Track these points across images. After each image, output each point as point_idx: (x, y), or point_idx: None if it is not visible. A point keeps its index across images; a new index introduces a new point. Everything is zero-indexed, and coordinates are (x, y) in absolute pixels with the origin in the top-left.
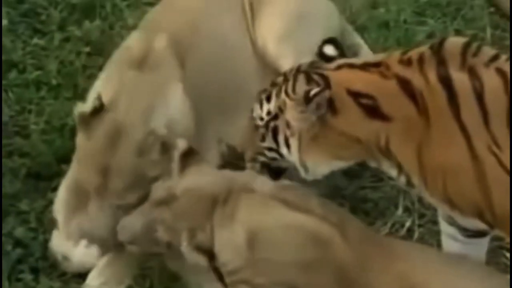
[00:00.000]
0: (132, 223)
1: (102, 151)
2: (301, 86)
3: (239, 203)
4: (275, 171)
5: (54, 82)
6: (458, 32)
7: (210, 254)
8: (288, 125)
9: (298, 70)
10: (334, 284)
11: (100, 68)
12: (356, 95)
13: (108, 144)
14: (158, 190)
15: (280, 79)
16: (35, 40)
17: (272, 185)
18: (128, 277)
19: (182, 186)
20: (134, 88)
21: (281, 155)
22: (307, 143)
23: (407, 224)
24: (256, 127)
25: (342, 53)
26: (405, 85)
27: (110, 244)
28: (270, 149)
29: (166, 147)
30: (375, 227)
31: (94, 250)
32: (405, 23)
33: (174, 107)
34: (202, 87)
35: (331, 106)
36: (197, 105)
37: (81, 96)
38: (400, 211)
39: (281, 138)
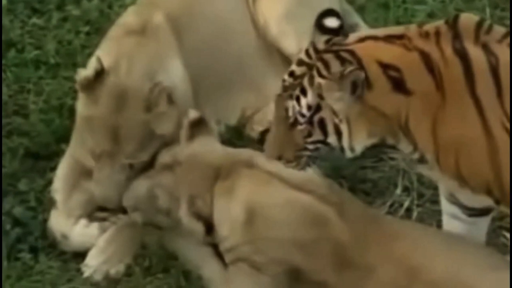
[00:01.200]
0: (137, 187)
1: (110, 114)
2: (335, 65)
3: (240, 178)
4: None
5: (52, 61)
6: (457, 12)
7: (207, 224)
8: (334, 113)
9: (320, 51)
10: (332, 263)
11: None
12: (385, 67)
13: (115, 106)
14: (164, 155)
15: (302, 69)
16: (34, 20)
17: (275, 162)
18: (127, 257)
19: (187, 152)
20: (134, 52)
21: (327, 143)
22: (354, 124)
23: (406, 203)
24: (294, 125)
25: (342, 25)
26: (425, 58)
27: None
28: (316, 142)
29: (171, 99)
30: (374, 206)
31: (93, 229)
32: (404, 3)
33: (173, 73)
34: (200, 67)
35: (366, 81)
36: (195, 84)
37: None
38: (399, 190)
39: (330, 128)
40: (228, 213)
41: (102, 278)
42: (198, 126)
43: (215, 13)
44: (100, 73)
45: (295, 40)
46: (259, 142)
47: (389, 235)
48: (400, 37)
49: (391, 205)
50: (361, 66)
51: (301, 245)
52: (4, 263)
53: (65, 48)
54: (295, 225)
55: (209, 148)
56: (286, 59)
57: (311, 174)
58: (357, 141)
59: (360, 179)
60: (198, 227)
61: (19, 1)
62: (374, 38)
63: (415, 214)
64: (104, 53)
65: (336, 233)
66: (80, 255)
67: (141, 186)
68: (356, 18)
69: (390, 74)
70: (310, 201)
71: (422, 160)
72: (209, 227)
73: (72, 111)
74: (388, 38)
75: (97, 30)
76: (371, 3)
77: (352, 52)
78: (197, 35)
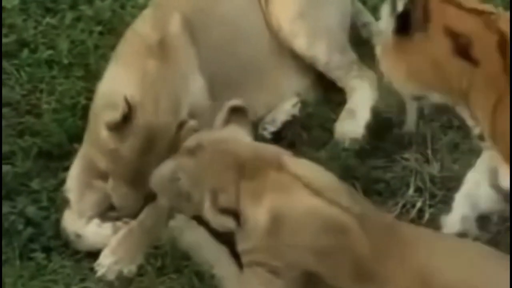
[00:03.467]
0: (163, 168)
1: (137, 156)
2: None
3: (267, 181)
4: None
5: (65, 61)
6: None
7: (236, 216)
8: None
9: None
10: (351, 274)
11: (112, 48)
12: (452, 33)
13: (142, 150)
14: (191, 139)
15: None
16: (47, 19)
17: (301, 163)
18: (140, 256)
19: (212, 138)
20: (158, 83)
21: None
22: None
23: (419, 204)
24: None
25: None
26: (501, 39)
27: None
28: None
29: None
30: (386, 207)
31: (106, 228)
32: None
33: (195, 90)
34: (214, 66)
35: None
36: (211, 83)
37: (93, 75)
38: (411, 191)
39: None
40: (253, 217)
41: (115, 278)
42: (236, 114)
43: (228, 13)
44: (128, 116)
45: (306, 40)
46: (272, 142)
47: (404, 245)
48: (484, 13)
49: (403, 206)
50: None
51: (320, 253)
52: (17, 263)
53: (78, 48)
54: (315, 233)
55: (237, 137)
56: (298, 59)
57: (335, 180)
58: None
59: (372, 179)
60: (229, 222)
61: (32, 1)
62: (459, 6)
63: (427, 215)
64: (128, 78)
65: (356, 244)
66: (93, 254)
67: (166, 167)
68: (368, 17)
69: (456, 39)
70: (331, 210)
71: (481, 137)
72: (238, 217)
73: (85, 111)
74: (472, 10)
75: (110, 30)
76: (382, 3)
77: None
78: (212, 35)
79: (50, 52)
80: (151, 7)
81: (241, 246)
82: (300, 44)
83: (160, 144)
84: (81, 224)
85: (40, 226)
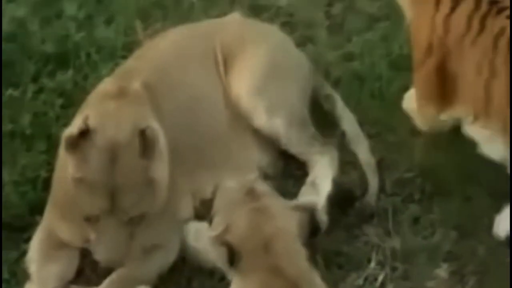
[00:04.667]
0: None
1: (104, 171)
2: None
3: (280, 257)
4: None
5: (27, 132)
6: None
7: (231, 251)
8: None
9: None
10: None
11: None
12: None
13: (108, 162)
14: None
15: None
16: (9, 91)
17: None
18: None
19: (268, 195)
20: (118, 112)
21: None
22: None
23: (380, 278)
24: None
25: None
26: None
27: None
28: None
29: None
30: (349, 280)
31: None
32: (380, 76)
33: (158, 131)
34: (175, 137)
35: None
36: (172, 155)
37: (55, 147)
38: (373, 264)
39: None
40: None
41: None
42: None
43: (189, 83)
44: (85, 132)
45: (266, 116)
46: None
47: None
48: None
49: (366, 279)
50: None
51: None
52: None
53: (40, 120)
54: None
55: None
56: (258, 133)
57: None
58: None
59: (333, 252)
60: (223, 255)
61: None
62: None
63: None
64: (87, 111)
65: None
66: None
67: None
68: (329, 90)
69: None
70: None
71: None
72: (233, 254)
73: (46, 183)
74: None
75: (72, 102)
76: (346, 76)
77: None
78: (172, 105)
79: (12, 124)
80: (112, 76)
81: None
82: (260, 119)
83: (126, 155)
84: None
85: None
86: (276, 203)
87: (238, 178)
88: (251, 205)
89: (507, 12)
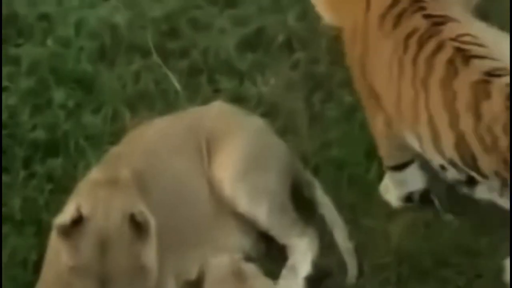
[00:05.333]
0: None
1: (96, 260)
2: None
3: None
4: None
5: (17, 217)
6: None
7: None
8: None
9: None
10: None
11: (64, 204)
12: None
13: (99, 251)
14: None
15: None
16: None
17: None
18: None
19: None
20: (108, 199)
21: None
22: None
23: None
24: None
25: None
26: None
27: None
28: None
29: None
30: None
31: None
32: (357, 163)
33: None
34: (161, 223)
35: None
36: (158, 239)
37: (45, 231)
38: None
39: None
40: None
41: None
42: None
43: (175, 170)
44: (78, 220)
45: (248, 201)
46: None
47: None
48: None
49: None
50: None
51: None
52: None
53: (30, 205)
54: None
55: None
56: (241, 217)
57: None
58: None
59: None
60: None
61: None
62: None
63: None
64: (79, 199)
65: None
66: None
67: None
68: (308, 176)
69: None
70: None
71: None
72: None
73: (36, 267)
74: None
75: (62, 188)
76: (325, 163)
77: None
78: (159, 190)
79: (3, 209)
80: (101, 163)
81: None
82: (242, 204)
83: (117, 243)
84: None
85: None
86: (263, 284)
87: (224, 256)
88: (239, 286)
89: (426, 11)
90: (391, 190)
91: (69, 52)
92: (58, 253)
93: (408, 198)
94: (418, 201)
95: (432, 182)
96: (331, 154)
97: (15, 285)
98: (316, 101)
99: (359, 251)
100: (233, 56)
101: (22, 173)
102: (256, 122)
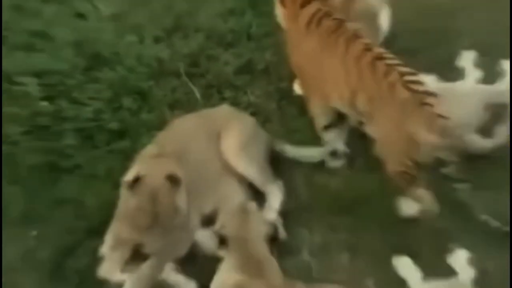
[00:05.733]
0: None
1: (149, 202)
2: None
3: (252, 243)
4: None
5: (101, 175)
6: None
7: (222, 238)
8: None
9: None
10: None
11: (129, 169)
12: None
13: (151, 197)
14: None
15: None
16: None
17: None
18: None
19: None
20: (155, 166)
21: None
22: None
23: None
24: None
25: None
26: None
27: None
28: None
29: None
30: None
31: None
32: (310, 141)
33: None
34: (189, 179)
35: None
36: (187, 190)
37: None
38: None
39: None
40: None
41: None
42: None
43: (197, 148)
44: (137, 179)
45: (245, 165)
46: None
47: None
48: None
49: None
50: None
51: None
52: None
53: (110, 169)
54: None
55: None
56: (239, 175)
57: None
58: None
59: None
60: (215, 242)
61: None
62: None
63: None
64: (137, 168)
65: None
66: None
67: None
68: (280, 144)
69: None
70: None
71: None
72: (223, 242)
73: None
74: None
75: (129, 159)
76: (290, 143)
77: None
78: (187, 161)
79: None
80: (152, 144)
81: None
82: (241, 167)
83: (161, 197)
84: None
85: None
86: (257, 215)
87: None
88: (243, 216)
89: (334, 16)
90: (324, 150)
91: (132, 75)
92: (126, 199)
93: (334, 153)
94: (340, 156)
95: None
96: (294, 137)
97: (99, 199)
98: (284, 104)
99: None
100: (232, 77)
101: (105, 149)
102: (248, 117)
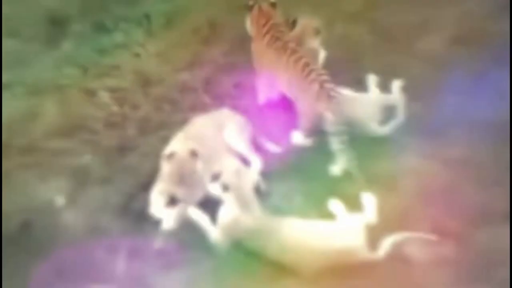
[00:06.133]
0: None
1: (178, 168)
2: None
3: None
4: None
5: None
6: None
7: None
8: None
9: None
10: None
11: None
12: None
13: (180, 164)
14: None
15: None
16: None
17: None
18: None
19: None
20: (183, 145)
21: None
22: None
23: None
24: None
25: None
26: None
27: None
28: None
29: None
30: None
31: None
32: None
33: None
34: (205, 153)
35: None
36: (203, 160)
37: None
38: None
39: None
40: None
41: None
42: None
43: (208, 135)
44: (172, 153)
45: (239, 143)
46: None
47: None
48: None
49: None
50: None
51: None
52: None
53: (149, 154)
54: None
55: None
56: (235, 151)
57: None
58: None
59: None
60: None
61: None
62: None
63: None
64: (171, 147)
65: None
66: None
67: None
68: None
69: None
70: None
71: None
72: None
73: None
74: None
75: (167, 141)
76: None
77: None
78: (202, 142)
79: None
80: (180, 132)
81: None
82: (236, 145)
83: (186, 164)
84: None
85: None
86: (247, 172)
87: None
88: (237, 172)
89: (280, 35)
90: None
91: None
92: (165, 166)
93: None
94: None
95: None
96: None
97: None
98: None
99: None
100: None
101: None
102: (239, 117)
